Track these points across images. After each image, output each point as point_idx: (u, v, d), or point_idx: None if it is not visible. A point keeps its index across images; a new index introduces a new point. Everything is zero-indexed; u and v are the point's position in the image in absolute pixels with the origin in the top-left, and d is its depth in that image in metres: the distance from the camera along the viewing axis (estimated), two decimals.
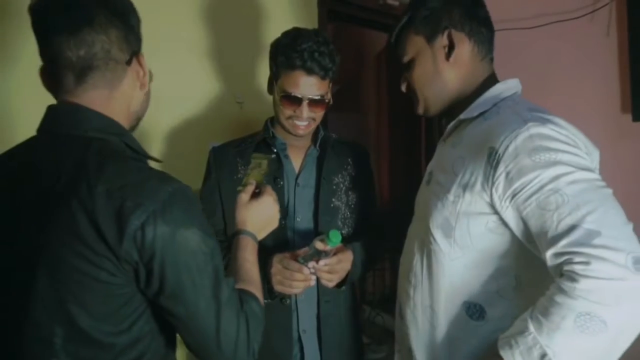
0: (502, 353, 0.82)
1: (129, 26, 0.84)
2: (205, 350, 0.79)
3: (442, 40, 1.04)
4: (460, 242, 0.95)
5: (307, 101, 1.28)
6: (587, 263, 0.75)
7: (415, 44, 1.07)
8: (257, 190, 1.11)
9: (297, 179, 1.39)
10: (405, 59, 1.10)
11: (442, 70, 1.05)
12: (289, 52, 1.26)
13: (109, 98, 0.84)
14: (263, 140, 1.40)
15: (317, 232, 1.36)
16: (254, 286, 0.92)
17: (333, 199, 1.38)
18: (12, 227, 0.74)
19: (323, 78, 1.28)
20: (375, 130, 4.12)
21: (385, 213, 3.75)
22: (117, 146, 0.82)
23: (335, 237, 1.14)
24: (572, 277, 0.76)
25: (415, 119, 3.15)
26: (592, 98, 1.89)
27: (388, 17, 2.45)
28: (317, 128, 1.44)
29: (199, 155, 1.47)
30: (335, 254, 1.23)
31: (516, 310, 0.87)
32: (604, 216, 0.78)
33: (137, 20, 0.88)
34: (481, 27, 1.05)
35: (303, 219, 1.36)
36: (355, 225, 1.42)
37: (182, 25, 1.76)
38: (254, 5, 1.94)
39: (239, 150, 1.40)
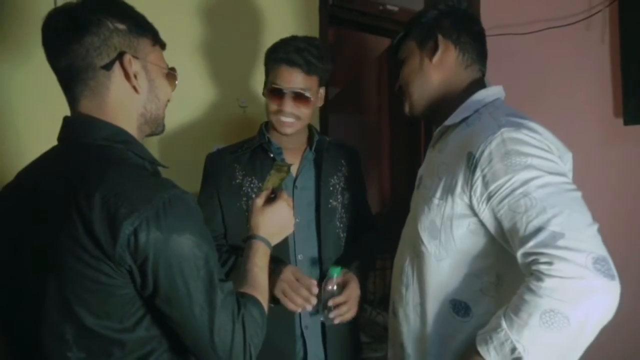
0: (479, 348, 0.88)
1: (109, 30, 0.83)
2: (202, 353, 0.81)
3: (430, 44, 1.12)
4: (445, 244, 1.00)
5: (290, 94, 1.33)
6: (550, 263, 0.81)
7: (408, 47, 1.17)
8: (272, 195, 1.12)
9: (295, 182, 1.42)
10: (399, 60, 1.19)
11: (426, 70, 1.13)
12: (277, 47, 1.35)
13: (103, 106, 0.85)
14: (259, 146, 1.44)
15: (318, 232, 1.40)
16: (259, 291, 0.93)
17: (330, 200, 1.43)
18: (31, 233, 0.79)
19: (307, 73, 1.33)
20: (376, 133, 4.16)
21: (386, 214, 3.80)
22: (123, 153, 0.84)
23: (336, 272, 1.25)
24: (538, 277, 0.82)
25: (416, 122, 3.19)
26: (585, 102, 1.93)
27: (388, 22, 2.49)
28: (312, 132, 1.49)
29: (202, 159, 1.50)
30: (341, 287, 1.29)
31: (499, 307, 0.92)
32: (569, 219, 0.83)
33: (129, 19, 0.87)
34: (470, 39, 1.12)
35: (302, 220, 1.40)
36: (350, 223, 1.47)
37: (185, 31, 1.80)
38: (256, 11, 1.98)
39: (236, 155, 1.44)
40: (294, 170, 1.43)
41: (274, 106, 1.36)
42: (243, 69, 1.94)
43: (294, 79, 1.33)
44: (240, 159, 1.43)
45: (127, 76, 0.85)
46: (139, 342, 0.79)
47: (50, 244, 0.75)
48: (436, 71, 1.12)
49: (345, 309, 1.27)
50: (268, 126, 1.46)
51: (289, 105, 1.34)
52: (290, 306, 1.26)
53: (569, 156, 1.01)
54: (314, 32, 2.12)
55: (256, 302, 0.89)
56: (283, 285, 1.25)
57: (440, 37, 1.11)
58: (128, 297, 0.77)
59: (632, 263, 1.68)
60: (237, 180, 1.41)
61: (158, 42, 0.93)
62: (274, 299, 1.27)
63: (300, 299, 1.25)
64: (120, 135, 0.85)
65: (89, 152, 0.82)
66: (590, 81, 1.92)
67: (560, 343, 0.81)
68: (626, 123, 1.75)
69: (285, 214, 1.09)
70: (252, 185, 1.40)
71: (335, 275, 1.26)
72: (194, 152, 1.74)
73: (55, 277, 0.75)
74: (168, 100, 0.97)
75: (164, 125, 0.98)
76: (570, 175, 0.98)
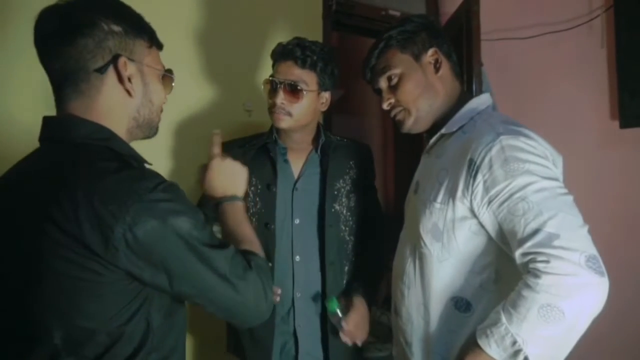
0: (480, 342, 0.93)
1: (104, 32, 0.81)
2: (235, 315, 0.86)
3: (428, 57, 1.16)
4: (448, 245, 1.05)
5: (282, 86, 1.32)
6: (547, 262, 0.87)
7: (403, 61, 1.16)
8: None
9: (295, 183, 1.43)
10: (392, 75, 1.16)
11: (433, 82, 1.15)
12: (277, 48, 1.36)
13: (92, 108, 0.83)
14: (264, 146, 1.44)
15: (319, 234, 1.42)
16: (253, 245, 0.96)
17: (334, 204, 1.43)
18: (12, 235, 0.78)
19: (302, 66, 1.32)
20: (379, 136, 4.20)
21: (391, 215, 3.82)
22: (103, 151, 0.81)
23: (332, 306, 1.31)
24: (536, 274, 0.88)
25: None
26: (583, 105, 1.97)
27: None
28: (318, 132, 1.47)
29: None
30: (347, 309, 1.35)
31: (498, 301, 0.97)
32: (563, 221, 0.90)
33: (125, 20, 0.84)
34: (452, 52, 1.19)
35: (302, 222, 1.42)
36: (356, 225, 1.47)
37: (191, 37, 1.85)
38: (261, 16, 2.02)
39: (243, 150, 1.44)
40: (296, 171, 1.45)
41: (269, 101, 1.36)
42: (248, 73, 1.98)
43: (288, 71, 1.32)
44: (245, 156, 1.42)
45: (120, 79, 0.84)
46: (129, 337, 0.79)
47: (30, 246, 0.74)
48: (441, 84, 1.15)
49: (354, 335, 1.34)
50: None
51: (279, 98, 1.31)
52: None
53: (560, 159, 1.06)
54: (318, 37, 2.16)
55: (254, 253, 0.93)
56: None
57: (437, 50, 1.16)
58: (121, 292, 0.77)
59: (631, 264, 1.71)
60: None
61: (155, 44, 0.91)
62: None
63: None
64: (100, 133, 0.83)
65: (67, 151, 0.80)
66: (587, 85, 1.96)
67: (556, 335, 0.87)
68: (622, 126, 1.78)
69: (235, 167, 1.08)
70: (250, 184, 1.40)
71: (335, 309, 1.32)
72: (201, 155, 1.77)
73: (40, 282, 0.74)
74: (162, 106, 0.95)
75: (157, 129, 0.96)
76: (561, 177, 1.03)
